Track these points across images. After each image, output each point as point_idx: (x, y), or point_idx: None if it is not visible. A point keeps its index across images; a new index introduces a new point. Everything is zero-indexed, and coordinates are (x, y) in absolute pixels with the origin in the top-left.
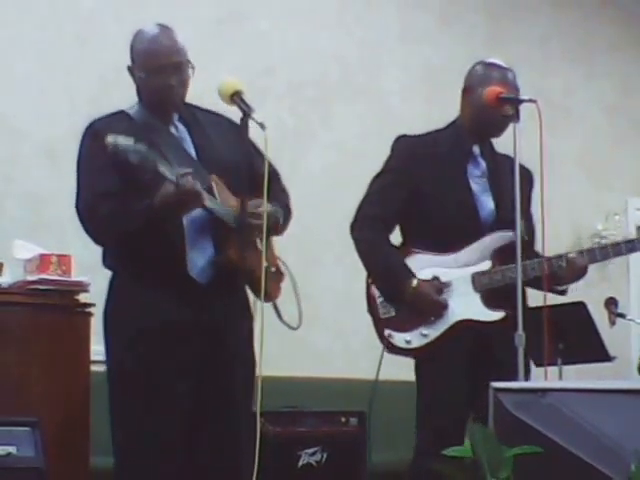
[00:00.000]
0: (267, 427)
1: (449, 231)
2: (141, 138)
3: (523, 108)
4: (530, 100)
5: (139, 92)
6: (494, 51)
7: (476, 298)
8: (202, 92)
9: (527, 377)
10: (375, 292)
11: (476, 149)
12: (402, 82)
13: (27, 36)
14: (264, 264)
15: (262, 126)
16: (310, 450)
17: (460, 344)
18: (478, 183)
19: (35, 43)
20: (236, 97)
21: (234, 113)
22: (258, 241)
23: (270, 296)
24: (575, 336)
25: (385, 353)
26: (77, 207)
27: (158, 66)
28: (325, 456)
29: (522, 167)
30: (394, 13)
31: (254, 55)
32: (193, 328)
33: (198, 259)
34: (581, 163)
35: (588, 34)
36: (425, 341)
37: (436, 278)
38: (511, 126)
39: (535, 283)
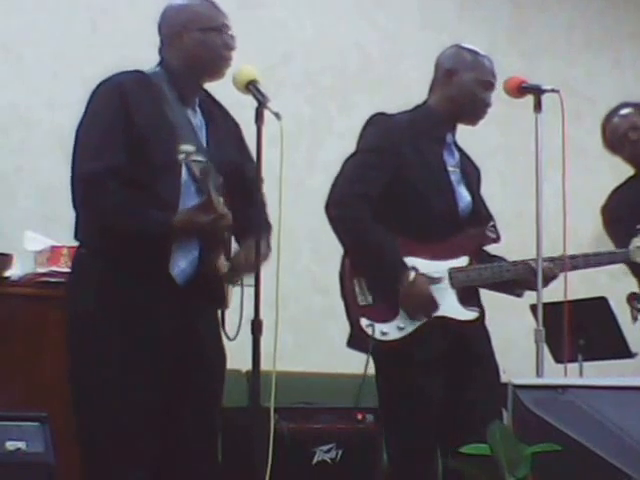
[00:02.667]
0: (281, 423)
1: (427, 220)
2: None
3: (546, 98)
4: (553, 90)
5: (176, 57)
6: (517, 40)
7: (452, 295)
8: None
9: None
10: (352, 275)
11: (450, 137)
12: (422, 71)
13: (39, 23)
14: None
15: (278, 116)
16: (325, 447)
17: (433, 339)
18: (454, 173)
19: (47, 31)
20: (251, 86)
21: (248, 102)
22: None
23: (227, 303)
24: (596, 332)
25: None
26: (79, 169)
27: (222, 24)
28: (340, 453)
29: (473, 163)
30: (414, 0)
31: (271, 43)
32: (163, 323)
33: (181, 259)
34: (604, 154)
35: (614, 22)
36: (401, 334)
37: (414, 269)
38: (532, 116)
39: (502, 286)
